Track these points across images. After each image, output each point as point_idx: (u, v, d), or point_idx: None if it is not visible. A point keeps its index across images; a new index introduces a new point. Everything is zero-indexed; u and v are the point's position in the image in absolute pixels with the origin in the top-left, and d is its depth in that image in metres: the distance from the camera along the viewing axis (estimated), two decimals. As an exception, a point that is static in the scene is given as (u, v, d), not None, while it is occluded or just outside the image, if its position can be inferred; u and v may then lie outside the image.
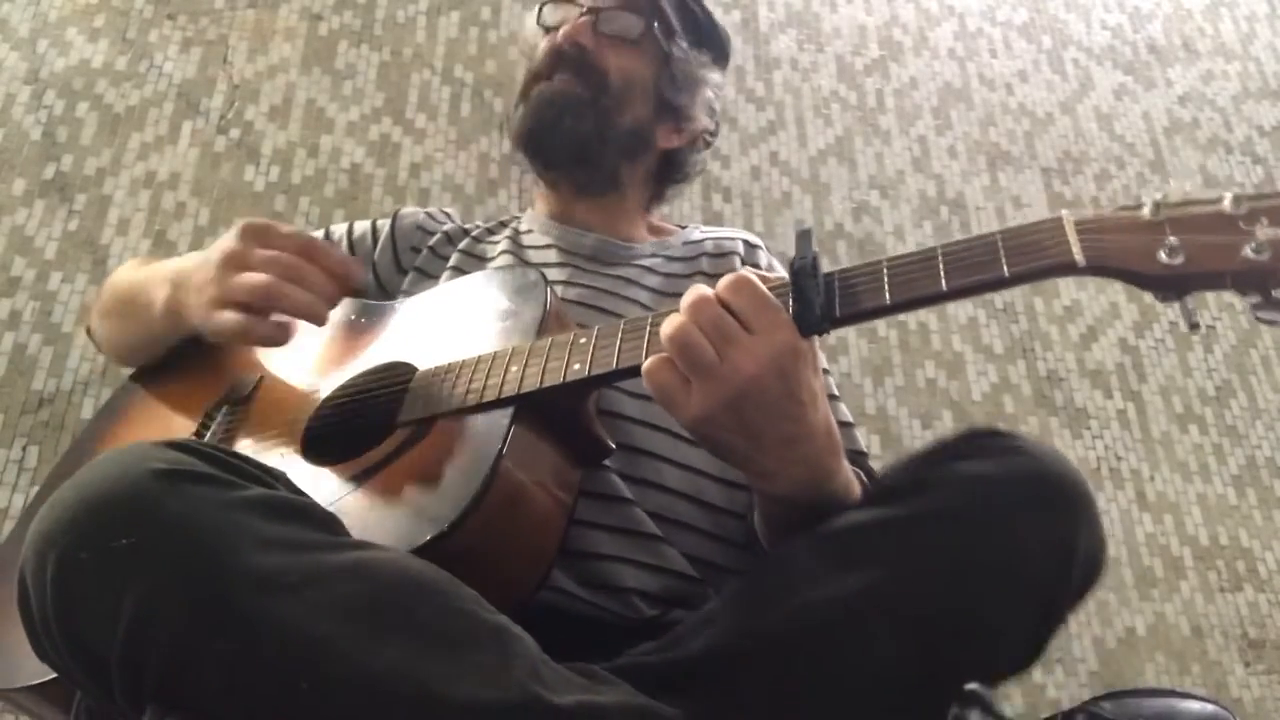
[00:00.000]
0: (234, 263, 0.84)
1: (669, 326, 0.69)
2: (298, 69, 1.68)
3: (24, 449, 1.30)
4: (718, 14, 1.96)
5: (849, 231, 1.79)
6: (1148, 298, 1.93)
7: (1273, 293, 0.57)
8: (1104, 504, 1.64)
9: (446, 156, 1.66)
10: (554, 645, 0.63)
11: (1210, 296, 1.90)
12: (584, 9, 1.11)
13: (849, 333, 1.69)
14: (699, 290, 0.70)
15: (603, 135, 1.09)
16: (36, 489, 1.27)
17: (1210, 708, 0.66)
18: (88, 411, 1.33)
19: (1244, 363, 1.85)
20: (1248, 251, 0.57)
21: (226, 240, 0.87)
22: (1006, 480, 0.69)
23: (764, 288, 0.70)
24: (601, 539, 0.88)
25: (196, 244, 1.48)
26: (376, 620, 0.57)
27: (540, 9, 1.17)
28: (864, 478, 0.87)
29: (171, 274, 0.96)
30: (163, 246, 1.47)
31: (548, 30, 1.14)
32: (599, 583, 0.87)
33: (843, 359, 1.66)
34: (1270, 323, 0.58)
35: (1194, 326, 0.61)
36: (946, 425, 1.65)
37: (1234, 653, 1.57)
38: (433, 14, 1.80)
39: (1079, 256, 0.62)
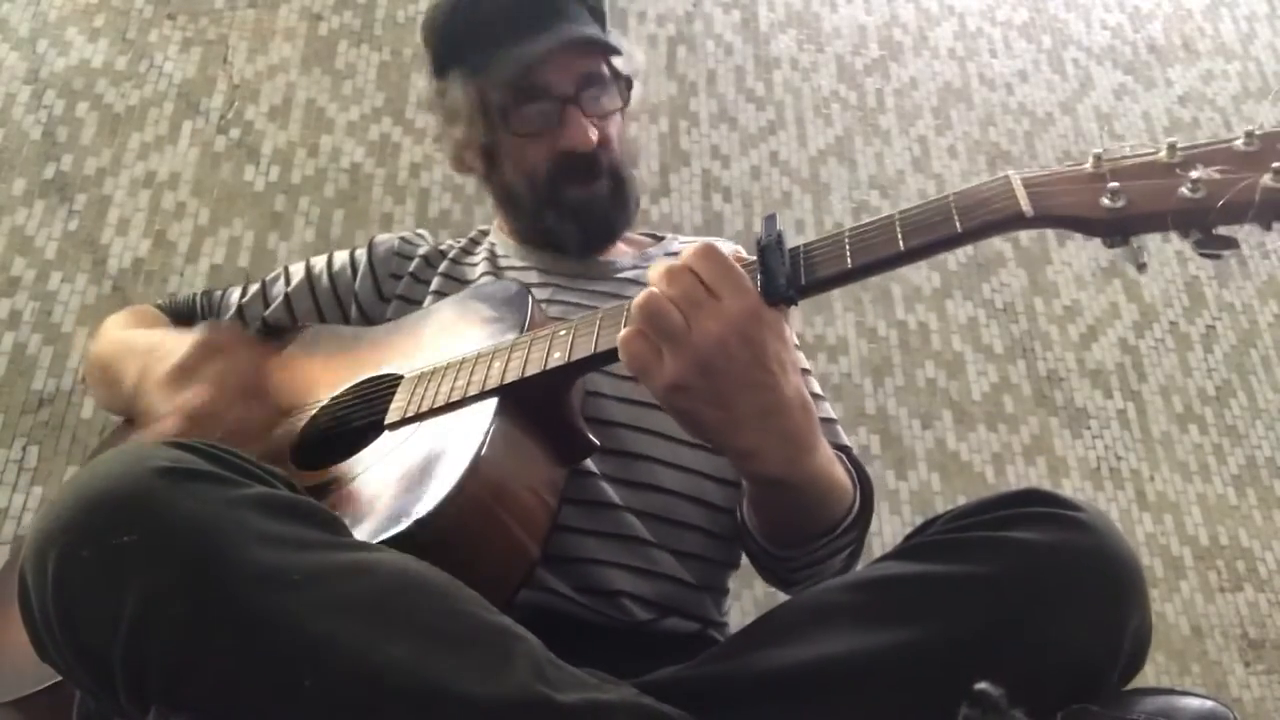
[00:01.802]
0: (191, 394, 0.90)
1: (639, 298, 0.70)
2: (298, 69, 1.68)
3: (24, 449, 1.30)
4: (718, 14, 1.98)
5: (849, 231, 1.79)
6: (1148, 297, 1.93)
7: (1213, 230, 0.61)
8: (1104, 504, 1.64)
9: (446, 156, 1.66)
10: (556, 650, 0.63)
11: (1210, 297, 1.90)
12: (566, 99, 1.01)
13: (849, 332, 1.69)
14: (667, 261, 0.72)
15: (635, 206, 1.10)
16: (38, 489, 1.27)
17: (1209, 704, 0.65)
18: (87, 411, 1.33)
19: (1244, 363, 1.85)
20: (1184, 191, 0.61)
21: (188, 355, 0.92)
22: (1060, 554, 0.66)
23: (728, 255, 0.71)
24: (591, 544, 0.88)
25: (196, 244, 1.48)
26: (378, 619, 0.57)
27: (504, 111, 1.02)
28: (848, 464, 0.87)
29: (143, 353, 0.98)
30: (163, 247, 1.47)
31: (520, 135, 1.03)
32: (591, 588, 0.87)
33: (843, 359, 1.66)
34: (1214, 257, 0.62)
35: (1141, 267, 0.64)
36: (946, 425, 1.65)
37: (1234, 653, 1.57)
38: (433, 14, 1.80)
39: (1027, 207, 0.64)
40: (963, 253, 1.82)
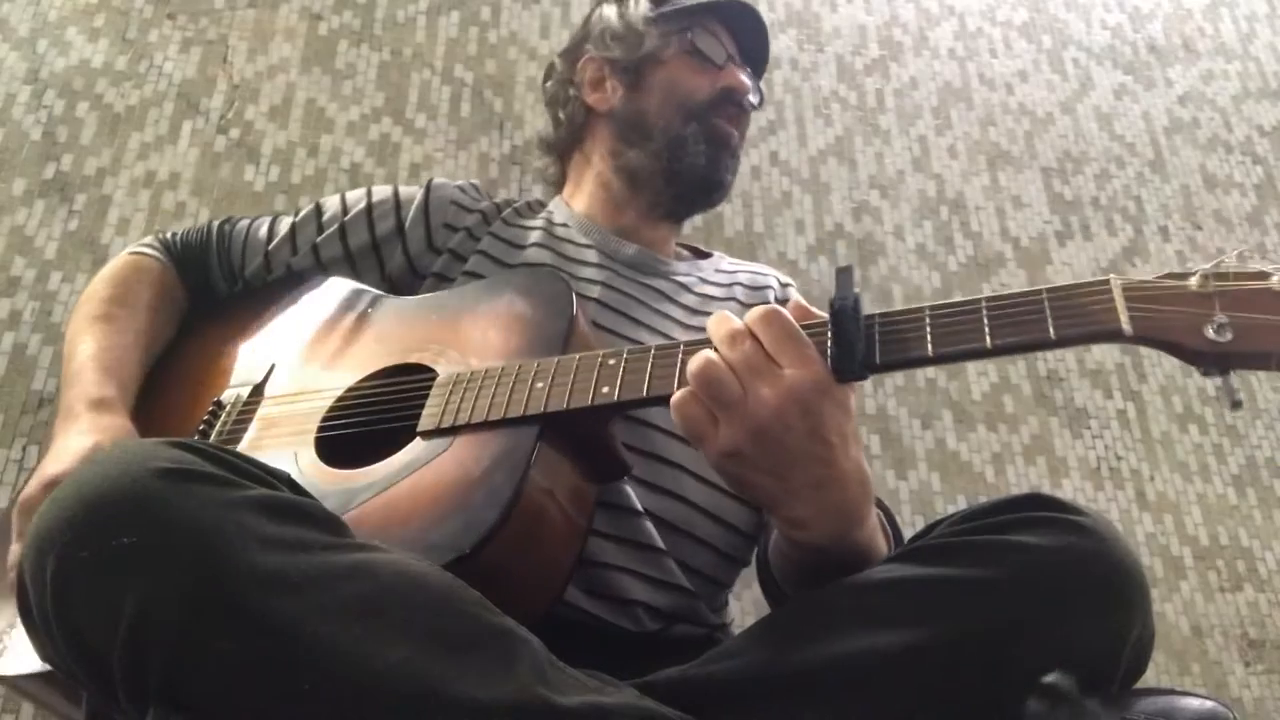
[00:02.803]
0: None
1: (696, 363, 0.68)
2: (298, 69, 1.68)
3: (24, 449, 1.30)
4: (718, 14, 1.98)
5: (849, 231, 1.79)
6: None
7: None
8: (1104, 504, 1.64)
9: (446, 156, 1.66)
10: (559, 651, 0.63)
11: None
12: (735, 60, 1.16)
13: (849, 333, 1.69)
14: (730, 323, 0.70)
15: (714, 201, 1.19)
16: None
17: (1210, 704, 0.65)
18: (88, 411, 1.33)
19: (1244, 362, 1.85)
20: None
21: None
22: (1062, 559, 0.66)
23: (792, 320, 0.69)
24: (610, 549, 0.88)
25: (196, 244, 1.48)
26: (379, 621, 0.57)
27: (689, 31, 1.14)
28: (885, 523, 0.85)
29: (66, 385, 0.95)
30: (163, 246, 1.47)
31: (692, 54, 1.14)
32: (604, 592, 0.87)
33: (843, 359, 1.66)
34: None
35: (1236, 404, 0.60)
36: (946, 425, 1.65)
37: (1234, 652, 1.57)
38: (433, 14, 1.80)
39: (1127, 326, 0.61)
40: (962, 252, 1.82)
